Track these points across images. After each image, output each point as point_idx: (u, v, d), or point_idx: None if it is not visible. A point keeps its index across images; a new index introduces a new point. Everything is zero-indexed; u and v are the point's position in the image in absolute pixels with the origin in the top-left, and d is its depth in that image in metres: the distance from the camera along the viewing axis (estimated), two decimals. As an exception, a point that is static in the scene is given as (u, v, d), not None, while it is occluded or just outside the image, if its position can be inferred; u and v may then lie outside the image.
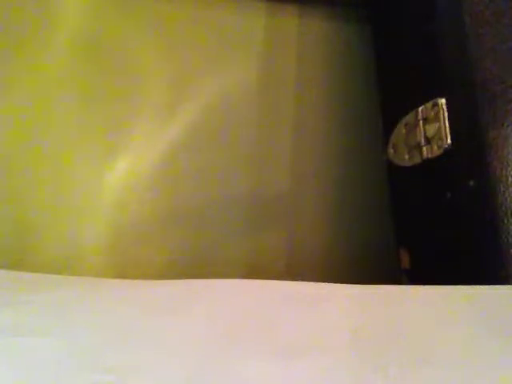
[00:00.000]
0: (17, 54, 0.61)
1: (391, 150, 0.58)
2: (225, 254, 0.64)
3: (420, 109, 0.52)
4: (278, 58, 0.68)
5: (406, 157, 0.55)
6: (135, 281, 0.40)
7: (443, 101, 0.49)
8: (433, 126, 0.50)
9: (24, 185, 0.60)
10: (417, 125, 0.52)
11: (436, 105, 0.49)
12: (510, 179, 0.43)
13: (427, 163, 0.51)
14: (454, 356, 0.25)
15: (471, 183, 0.45)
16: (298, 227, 0.66)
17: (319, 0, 0.70)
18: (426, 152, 0.51)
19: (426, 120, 0.51)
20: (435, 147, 0.49)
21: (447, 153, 0.48)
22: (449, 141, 0.48)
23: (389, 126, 0.58)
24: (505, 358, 0.25)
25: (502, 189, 0.43)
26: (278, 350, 0.26)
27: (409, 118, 0.54)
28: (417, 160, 0.53)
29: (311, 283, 0.37)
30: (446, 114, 0.48)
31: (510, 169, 0.44)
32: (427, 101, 0.51)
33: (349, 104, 0.69)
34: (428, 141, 0.51)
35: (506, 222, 0.43)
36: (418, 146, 0.52)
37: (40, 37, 0.62)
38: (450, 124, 0.48)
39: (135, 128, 0.63)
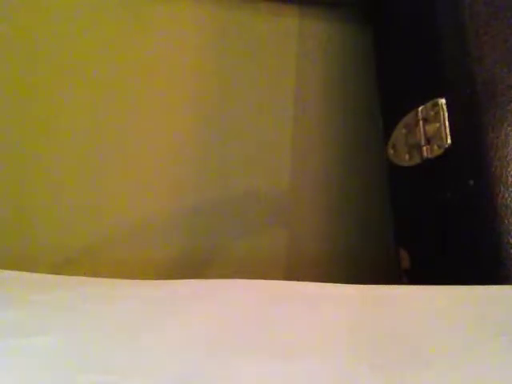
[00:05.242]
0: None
1: (391, 150, 0.58)
2: (225, 254, 0.64)
3: (420, 109, 0.52)
4: (278, 57, 0.68)
5: (406, 157, 0.55)
6: (135, 281, 0.40)
7: (443, 101, 0.49)
8: (433, 126, 0.50)
9: (24, 185, 0.60)
10: (417, 125, 0.52)
11: (436, 105, 0.49)
12: (509, 179, 0.43)
13: (427, 163, 0.51)
14: (454, 356, 0.25)
15: (471, 183, 0.45)
16: (298, 227, 0.66)
17: (319, 0, 0.70)
18: (426, 152, 0.51)
19: (426, 120, 0.51)
20: (435, 147, 0.49)
21: (447, 153, 0.48)
22: (449, 141, 0.48)
23: (389, 126, 0.58)
24: (505, 357, 0.25)
25: (502, 189, 0.43)
26: (277, 349, 0.26)
27: (409, 118, 0.54)
28: (417, 160, 0.53)
29: (311, 283, 0.36)
30: (446, 114, 0.48)
31: (509, 169, 0.44)
32: (427, 101, 0.51)
33: (349, 104, 0.69)
34: (428, 141, 0.51)
35: (506, 222, 0.43)
36: (418, 146, 0.52)
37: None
38: (450, 124, 0.48)
39: (135, 129, 0.63)
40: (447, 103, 0.48)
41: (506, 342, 0.27)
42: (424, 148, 0.51)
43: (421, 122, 0.51)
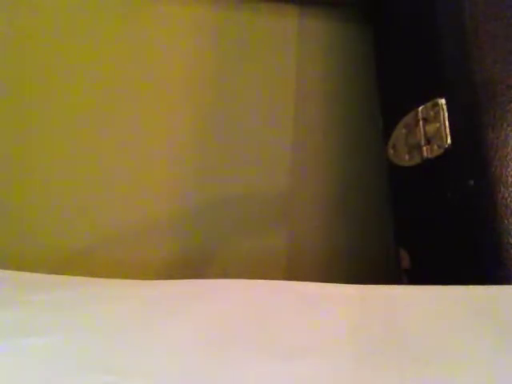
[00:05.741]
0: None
1: (391, 150, 0.58)
2: (225, 254, 0.64)
3: (420, 109, 0.52)
4: (278, 57, 0.68)
5: (406, 157, 0.55)
6: (135, 281, 0.40)
7: (443, 101, 0.49)
8: (433, 126, 0.50)
9: (24, 186, 0.60)
10: (417, 125, 0.52)
11: (436, 105, 0.49)
12: (509, 179, 0.43)
13: (427, 163, 0.51)
14: (454, 356, 0.25)
15: (471, 183, 0.45)
16: (298, 227, 0.66)
17: (319, 0, 0.70)
18: (426, 152, 0.51)
19: (426, 120, 0.51)
20: (435, 147, 0.49)
21: (447, 153, 0.48)
22: (449, 141, 0.48)
23: (389, 126, 0.58)
24: (505, 357, 0.25)
25: (502, 189, 0.43)
26: (278, 349, 0.26)
27: (409, 118, 0.54)
28: (417, 160, 0.53)
29: (311, 283, 0.36)
30: (446, 114, 0.48)
31: (509, 169, 0.44)
32: (427, 101, 0.51)
33: (349, 104, 0.69)
34: (428, 141, 0.51)
35: (506, 222, 0.43)
36: (418, 146, 0.52)
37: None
38: (450, 124, 0.48)
39: (134, 129, 0.63)
40: (447, 103, 0.48)
41: (506, 342, 0.27)
42: (424, 148, 0.51)
43: (421, 122, 0.51)
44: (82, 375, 0.23)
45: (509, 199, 0.43)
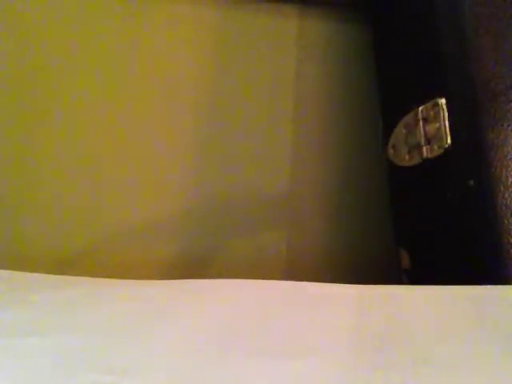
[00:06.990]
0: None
1: (391, 150, 0.58)
2: (225, 254, 0.64)
3: (420, 109, 0.52)
4: (278, 57, 0.68)
5: (406, 157, 0.55)
6: (135, 281, 0.40)
7: (443, 101, 0.49)
8: (433, 126, 0.50)
9: (24, 186, 0.60)
10: (417, 125, 0.52)
11: (436, 105, 0.49)
12: (509, 179, 0.43)
13: (427, 163, 0.51)
14: (454, 356, 0.25)
15: (471, 183, 0.45)
16: (298, 227, 0.66)
17: (319, 0, 0.70)
18: (426, 152, 0.51)
19: (426, 120, 0.51)
20: (435, 147, 0.49)
21: (447, 153, 0.48)
22: (449, 141, 0.48)
23: (389, 125, 0.58)
24: (504, 357, 0.25)
25: (502, 189, 0.43)
26: (277, 349, 0.26)
27: (409, 118, 0.54)
28: (417, 160, 0.53)
29: (311, 283, 0.37)
30: (446, 114, 0.48)
31: (510, 169, 0.44)
32: (427, 101, 0.50)
33: (349, 104, 0.69)
34: (428, 141, 0.51)
35: (506, 222, 0.43)
36: (418, 146, 0.52)
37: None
38: (450, 124, 0.48)
39: (134, 129, 0.63)
40: (447, 103, 0.48)
41: (505, 342, 0.27)
42: (424, 148, 0.51)
43: (421, 122, 0.51)
44: (82, 375, 0.23)
45: (509, 199, 0.43)
